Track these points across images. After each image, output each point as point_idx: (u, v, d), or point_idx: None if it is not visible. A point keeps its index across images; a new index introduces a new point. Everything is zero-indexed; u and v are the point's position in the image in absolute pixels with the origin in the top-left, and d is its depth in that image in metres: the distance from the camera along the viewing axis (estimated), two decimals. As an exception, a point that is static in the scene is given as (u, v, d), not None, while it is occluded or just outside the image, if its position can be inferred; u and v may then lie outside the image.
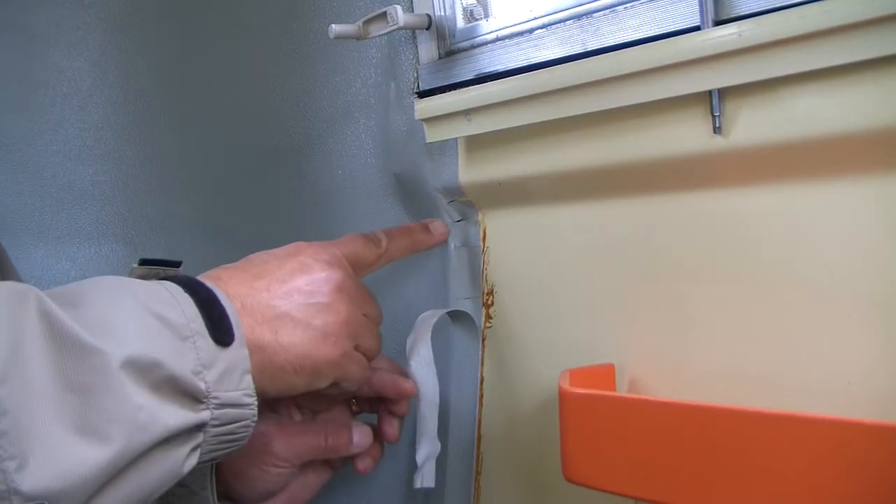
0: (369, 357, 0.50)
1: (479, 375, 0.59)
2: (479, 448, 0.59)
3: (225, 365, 0.39)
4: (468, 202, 0.59)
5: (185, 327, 0.38)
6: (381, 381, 0.55)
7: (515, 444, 0.57)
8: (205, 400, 0.38)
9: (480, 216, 0.59)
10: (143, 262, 0.46)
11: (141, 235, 0.76)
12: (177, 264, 0.47)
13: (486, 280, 0.58)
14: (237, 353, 0.40)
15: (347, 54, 0.65)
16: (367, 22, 0.54)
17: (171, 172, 0.76)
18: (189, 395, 0.37)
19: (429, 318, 0.57)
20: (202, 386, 0.38)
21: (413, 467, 0.56)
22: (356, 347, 0.48)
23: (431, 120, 0.55)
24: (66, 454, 0.32)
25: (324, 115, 0.69)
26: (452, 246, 0.60)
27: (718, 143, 0.42)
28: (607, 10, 0.46)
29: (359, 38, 0.55)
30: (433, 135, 0.56)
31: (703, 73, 0.40)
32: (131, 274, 0.45)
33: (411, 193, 0.64)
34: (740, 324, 0.43)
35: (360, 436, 0.54)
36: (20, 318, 0.33)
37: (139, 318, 0.37)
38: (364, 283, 0.51)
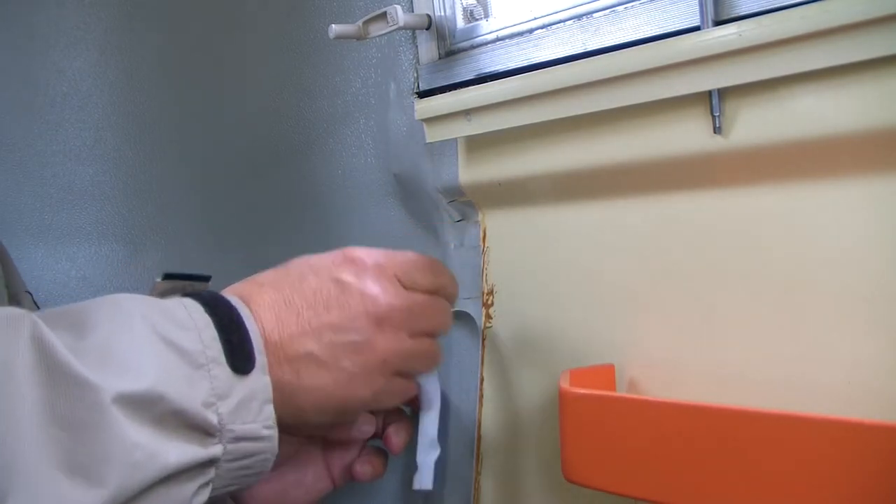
0: (427, 370, 0.47)
1: (479, 375, 0.59)
2: (479, 448, 0.59)
3: (242, 395, 0.36)
4: (468, 202, 0.59)
5: (199, 354, 0.35)
6: None
7: (515, 444, 0.57)
8: (217, 433, 0.35)
9: (480, 216, 0.59)
10: (168, 277, 0.42)
11: (141, 235, 0.76)
12: (205, 279, 0.43)
13: (486, 280, 0.58)
14: (257, 381, 0.37)
15: (347, 54, 0.66)
16: (367, 22, 0.54)
17: (171, 172, 0.76)
18: (198, 429, 0.35)
19: None
20: (214, 419, 0.35)
21: (412, 470, 0.56)
22: (399, 372, 0.45)
23: (431, 120, 0.55)
24: (53, 495, 0.29)
25: (324, 115, 0.69)
26: (452, 246, 0.60)
27: (718, 143, 0.42)
28: (607, 10, 0.46)
29: (359, 38, 0.55)
30: (433, 135, 0.56)
31: (703, 73, 0.40)
32: (153, 290, 0.42)
33: (411, 193, 0.64)
34: (740, 324, 0.43)
35: (363, 422, 0.52)
36: (10, 346, 0.31)
37: (147, 346, 0.34)
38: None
